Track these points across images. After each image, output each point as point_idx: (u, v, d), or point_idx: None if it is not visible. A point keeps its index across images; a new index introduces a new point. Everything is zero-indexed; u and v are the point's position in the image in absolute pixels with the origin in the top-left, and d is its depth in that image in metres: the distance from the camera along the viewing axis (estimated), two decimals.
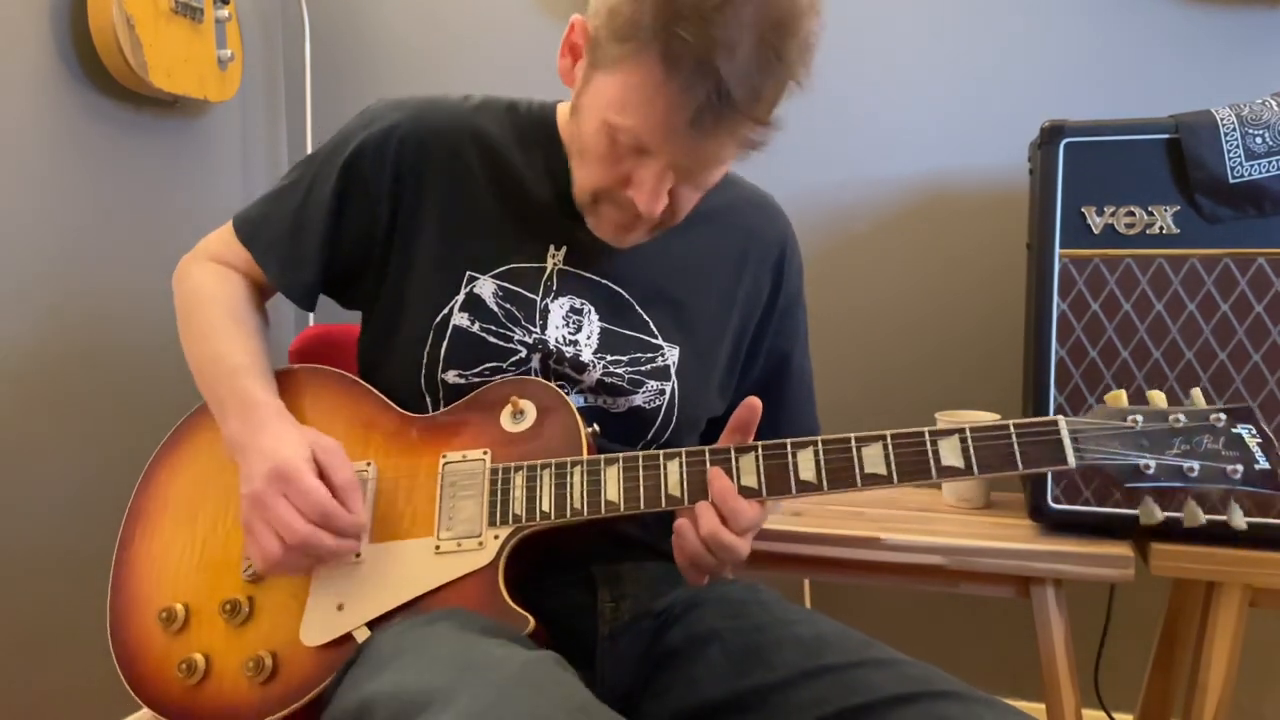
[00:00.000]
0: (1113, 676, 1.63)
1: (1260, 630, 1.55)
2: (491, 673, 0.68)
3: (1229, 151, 1.23)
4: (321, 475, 0.88)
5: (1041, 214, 1.30)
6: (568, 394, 0.97)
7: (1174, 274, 1.26)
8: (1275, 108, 1.23)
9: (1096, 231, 1.28)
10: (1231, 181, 1.22)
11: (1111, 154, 1.27)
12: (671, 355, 1.02)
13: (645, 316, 1.02)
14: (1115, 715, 1.66)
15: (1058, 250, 1.29)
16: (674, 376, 1.01)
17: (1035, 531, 1.34)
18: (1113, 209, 1.27)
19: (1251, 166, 1.22)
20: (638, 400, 1.00)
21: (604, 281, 1.01)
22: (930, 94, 1.73)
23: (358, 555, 0.90)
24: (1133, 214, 1.27)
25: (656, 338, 1.02)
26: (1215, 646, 1.27)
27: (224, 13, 1.75)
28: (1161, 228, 1.26)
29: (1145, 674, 1.56)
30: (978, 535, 1.33)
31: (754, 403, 0.87)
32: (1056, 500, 1.31)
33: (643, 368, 1.01)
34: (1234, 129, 1.23)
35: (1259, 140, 1.22)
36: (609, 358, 1.00)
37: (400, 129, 1.00)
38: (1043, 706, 1.34)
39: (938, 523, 1.40)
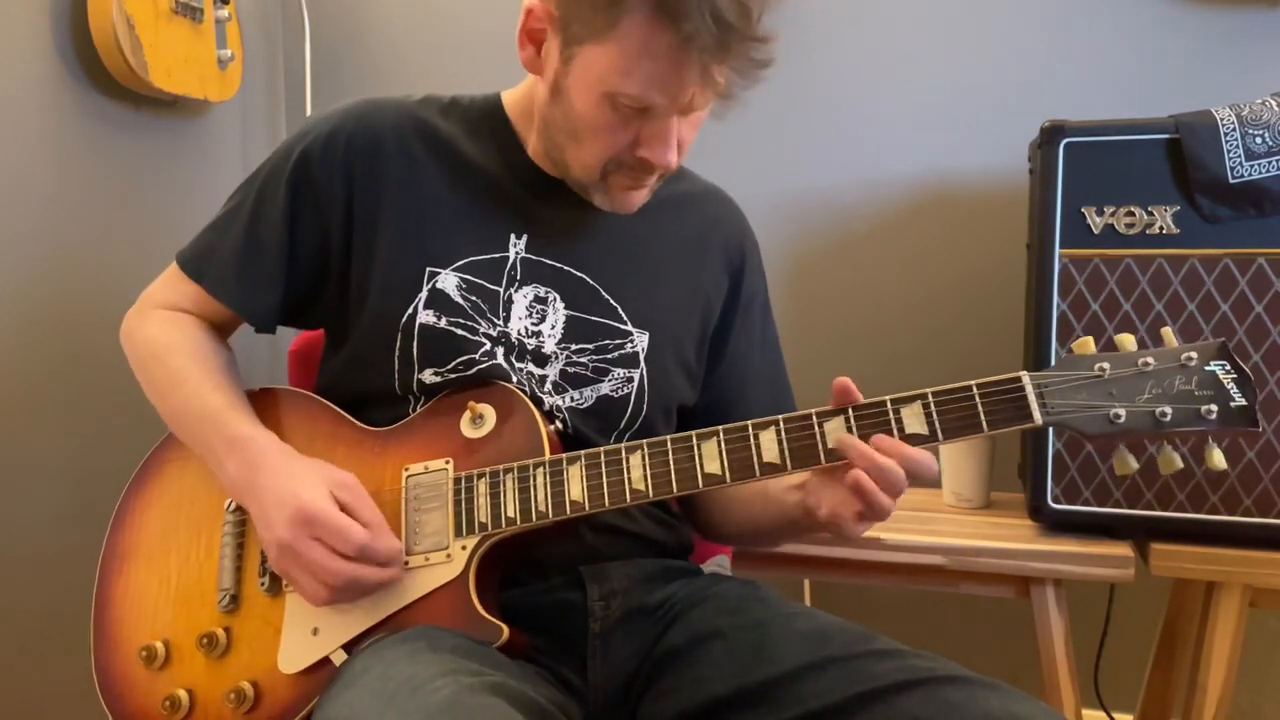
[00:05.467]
0: (1113, 676, 1.63)
1: (1260, 630, 1.55)
2: (418, 702, 0.68)
3: (1229, 151, 1.23)
4: (344, 511, 0.87)
5: (1041, 214, 1.30)
6: (540, 395, 0.96)
7: (1174, 274, 1.26)
8: (1275, 108, 1.23)
9: (1096, 231, 1.28)
10: (1231, 181, 1.22)
11: (1111, 154, 1.27)
12: (641, 341, 1.00)
13: (613, 302, 1.00)
14: (1115, 715, 1.66)
15: (1058, 250, 1.29)
16: (643, 363, 1.00)
17: (1035, 531, 1.34)
18: (1113, 209, 1.27)
19: (1251, 166, 1.22)
20: (605, 389, 0.99)
21: (568, 269, 0.99)
22: (930, 94, 1.73)
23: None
24: (1133, 214, 1.27)
25: (626, 324, 1.00)
26: (1215, 647, 1.27)
27: (224, 13, 1.75)
28: (1161, 228, 1.26)
29: (1145, 674, 1.56)
30: (978, 535, 1.33)
31: (847, 386, 0.84)
32: (1056, 500, 1.31)
33: (610, 355, 0.99)
34: (1234, 129, 1.23)
35: (1259, 140, 1.22)
36: (574, 346, 0.98)
37: (345, 131, 0.99)
38: None
39: (938, 523, 1.40)
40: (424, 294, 0.96)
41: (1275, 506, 1.23)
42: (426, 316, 0.96)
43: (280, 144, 1.03)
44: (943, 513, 1.46)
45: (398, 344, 0.96)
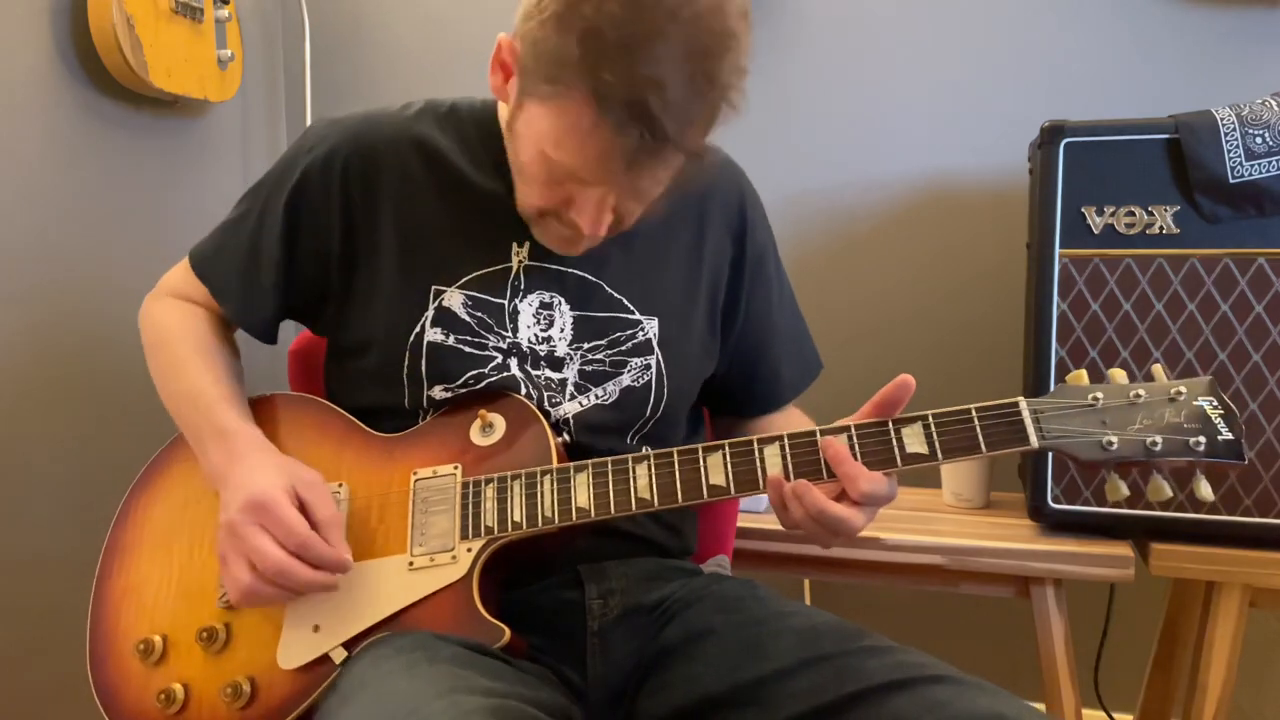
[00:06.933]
0: (1113, 676, 1.63)
1: (1260, 630, 1.55)
2: None
3: (1229, 151, 1.23)
4: (302, 509, 0.87)
5: (1041, 214, 1.30)
6: (559, 404, 0.97)
7: (1174, 274, 1.26)
8: (1275, 108, 1.23)
9: (1096, 231, 1.28)
10: (1231, 181, 1.22)
11: (1111, 154, 1.27)
12: (651, 327, 1.01)
13: (617, 295, 1.00)
14: (1115, 715, 1.66)
15: (1058, 250, 1.29)
16: (657, 349, 1.01)
17: (1035, 531, 1.34)
18: (1113, 209, 1.27)
19: (1251, 166, 1.22)
20: (626, 380, 0.99)
21: (571, 270, 0.99)
22: (930, 94, 1.73)
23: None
24: (1133, 214, 1.27)
25: (634, 313, 1.01)
26: (1215, 646, 1.27)
27: (224, 13, 1.75)
28: (1161, 228, 1.26)
29: (1145, 674, 1.56)
30: (978, 535, 1.33)
31: (907, 380, 0.84)
32: (1056, 500, 1.31)
33: (624, 346, 1.00)
34: (1234, 129, 1.23)
35: (1259, 140, 1.22)
36: (586, 345, 0.99)
37: (343, 151, 0.99)
38: (1043, 706, 1.34)
39: (938, 522, 1.40)
40: (430, 312, 0.97)
41: (1275, 506, 1.23)
42: (434, 335, 0.97)
43: (286, 150, 1.03)
44: (943, 513, 1.46)
45: (406, 363, 0.97)
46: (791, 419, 1.12)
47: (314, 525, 0.86)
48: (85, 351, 1.60)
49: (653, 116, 0.78)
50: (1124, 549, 1.26)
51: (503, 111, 0.96)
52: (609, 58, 0.77)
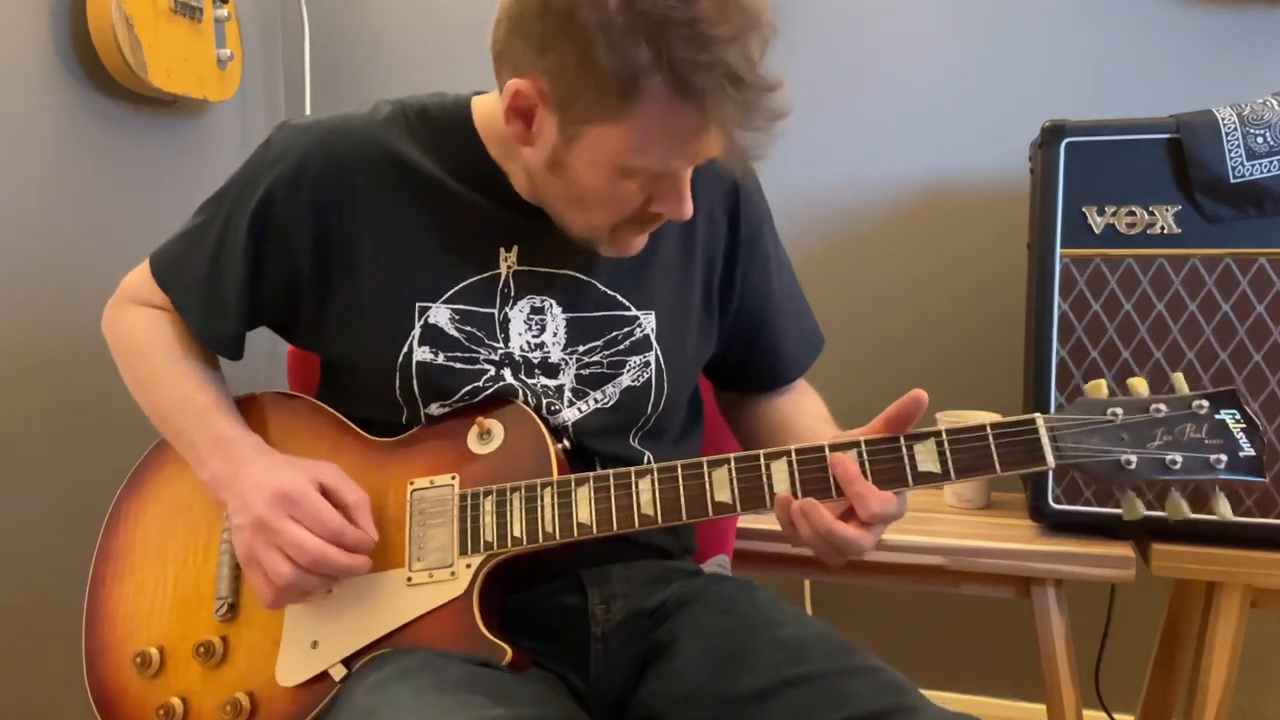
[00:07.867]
0: (1113, 677, 1.63)
1: (1260, 630, 1.55)
2: None
3: (1230, 151, 1.23)
4: (326, 496, 0.86)
5: (1042, 214, 1.30)
6: (558, 411, 0.95)
7: (1175, 274, 1.26)
8: (1276, 107, 1.23)
9: (1097, 231, 1.28)
10: (1232, 181, 1.22)
11: (1112, 154, 1.27)
12: (649, 322, 0.98)
13: (611, 292, 0.97)
14: (1116, 715, 1.66)
15: (1059, 250, 1.29)
16: (655, 343, 0.98)
17: (1035, 532, 1.34)
18: (1114, 209, 1.27)
19: (1252, 166, 1.22)
20: (625, 381, 0.97)
21: (563, 271, 0.96)
22: (930, 94, 1.73)
23: (329, 591, 0.88)
24: (1134, 214, 1.27)
25: (630, 309, 0.98)
26: (1216, 647, 1.26)
27: (223, 12, 1.75)
28: (1162, 227, 1.26)
29: (1146, 674, 1.56)
30: (978, 535, 1.33)
31: (919, 397, 0.82)
32: (1057, 500, 1.31)
33: (621, 345, 0.97)
34: (1235, 129, 1.23)
35: (1260, 140, 1.22)
36: (581, 348, 0.96)
37: (312, 165, 0.93)
38: (1043, 707, 1.34)
39: (938, 523, 1.40)
40: (417, 330, 0.93)
41: (1275, 506, 1.23)
42: (423, 354, 0.93)
43: (250, 157, 0.98)
44: (943, 513, 1.46)
45: (397, 384, 0.94)
46: (802, 403, 1.09)
47: (343, 509, 0.86)
48: (81, 350, 1.60)
49: (734, 73, 0.77)
50: (1125, 549, 1.25)
51: (524, 152, 0.89)
52: (681, 39, 0.76)
